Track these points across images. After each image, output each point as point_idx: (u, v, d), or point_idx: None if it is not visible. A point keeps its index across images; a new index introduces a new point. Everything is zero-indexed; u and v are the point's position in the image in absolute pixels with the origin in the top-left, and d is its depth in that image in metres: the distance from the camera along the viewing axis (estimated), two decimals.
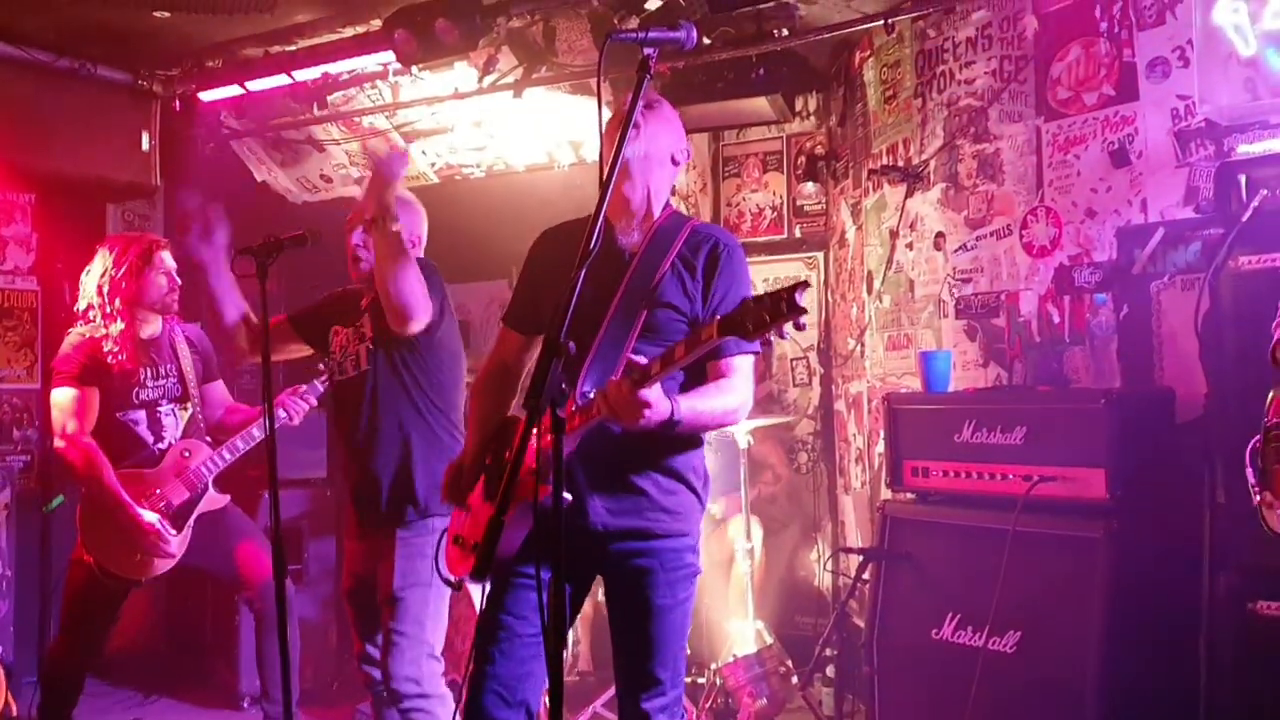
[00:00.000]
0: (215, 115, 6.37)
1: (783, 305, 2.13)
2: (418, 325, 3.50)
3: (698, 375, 2.70)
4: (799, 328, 2.18)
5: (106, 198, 6.35)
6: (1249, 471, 2.34)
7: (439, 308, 3.63)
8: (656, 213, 2.81)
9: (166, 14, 5.26)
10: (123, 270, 4.26)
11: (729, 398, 2.66)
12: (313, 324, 3.95)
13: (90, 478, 4.18)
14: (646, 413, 2.38)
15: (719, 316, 2.26)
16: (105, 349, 4.24)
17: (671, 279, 2.70)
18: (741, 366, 2.71)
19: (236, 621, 5.48)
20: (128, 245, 4.34)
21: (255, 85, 5.94)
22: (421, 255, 3.82)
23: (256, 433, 4.37)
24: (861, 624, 4.48)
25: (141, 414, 4.33)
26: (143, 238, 4.43)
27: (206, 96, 6.14)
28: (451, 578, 2.87)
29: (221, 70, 5.98)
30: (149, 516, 4.20)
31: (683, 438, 2.70)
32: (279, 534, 3.41)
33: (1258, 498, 2.32)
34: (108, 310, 4.26)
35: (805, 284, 2.14)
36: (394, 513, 3.60)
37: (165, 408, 4.38)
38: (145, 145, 6.09)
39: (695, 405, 2.56)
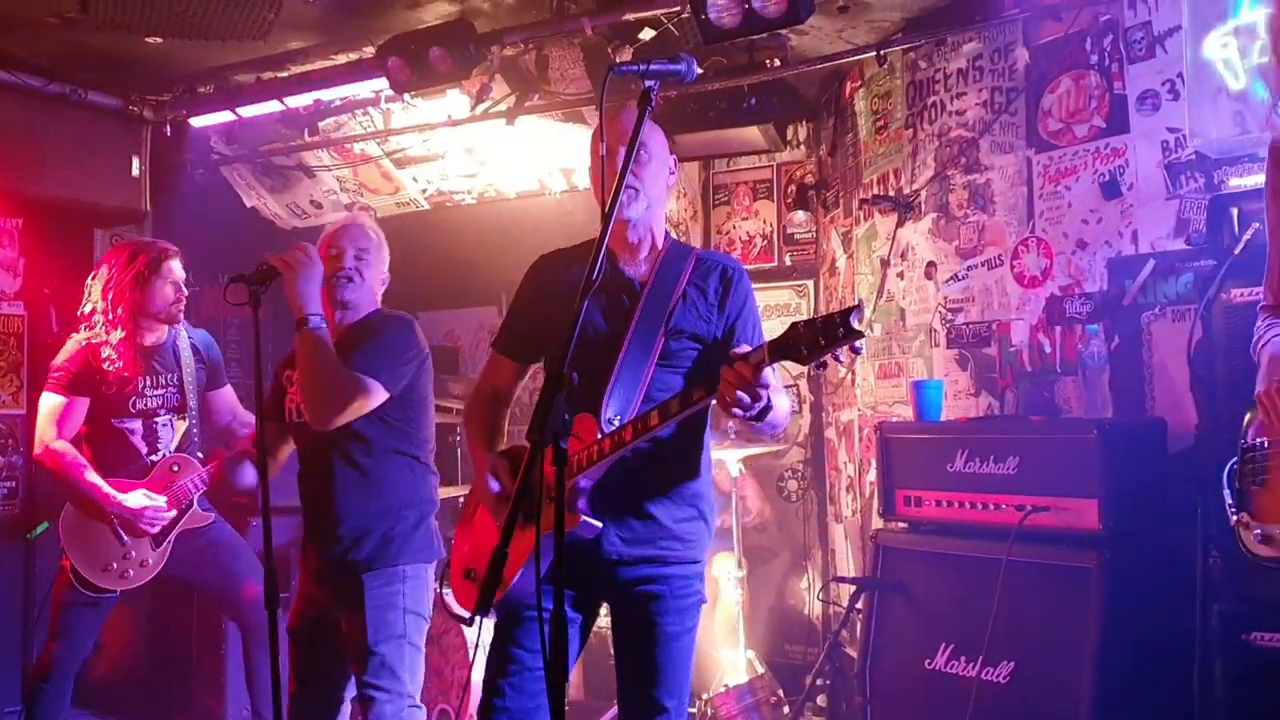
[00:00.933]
0: (206, 141, 6.37)
1: (838, 329, 2.10)
2: (331, 425, 3.29)
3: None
4: (855, 352, 2.15)
5: (95, 223, 6.32)
6: (1226, 492, 2.35)
7: (409, 371, 3.45)
8: (659, 241, 2.82)
9: (158, 40, 5.26)
10: (130, 277, 4.23)
11: (785, 399, 2.64)
12: (273, 396, 3.66)
13: (66, 480, 4.16)
14: (764, 394, 2.34)
15: (767, 341, 2.26)
16: (103, 355, 4.21)
17: (685, 307, 2.72)
18: (774, 378, 2.69)
19: (223, 650, 5.42)
20: (137, 252, 4.30)
21: (247, 111, 5.94)
22: (382, 288, 3.66)
23: None
24: (853, 654, 4.47)
25: (138, 423, 4.30)
26: (153, 245, 4.37)
27: (198, 122, 6.14)
28: (464, 614, 2.83)
29: (213, 96, 5.98)
30: (136, 498, 4.17)
31: (692, 462, 2.72)
32: (271, 562, 3.37)
33: (1234, 518, 2.33)
34: (110, 316, 4.22)
35: (859, 307, 2.12)
36: (359, 560, 3.38)
37: (163, 418, 4.35)
38: (135, 170, 6.08)
39: (777, 401, 2.50)
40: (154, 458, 4.32)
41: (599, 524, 2.54)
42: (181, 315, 4.37)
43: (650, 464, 2.64)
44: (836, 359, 2.16)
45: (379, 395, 3.31)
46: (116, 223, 6.35)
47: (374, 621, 3.33)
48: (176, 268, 4.33)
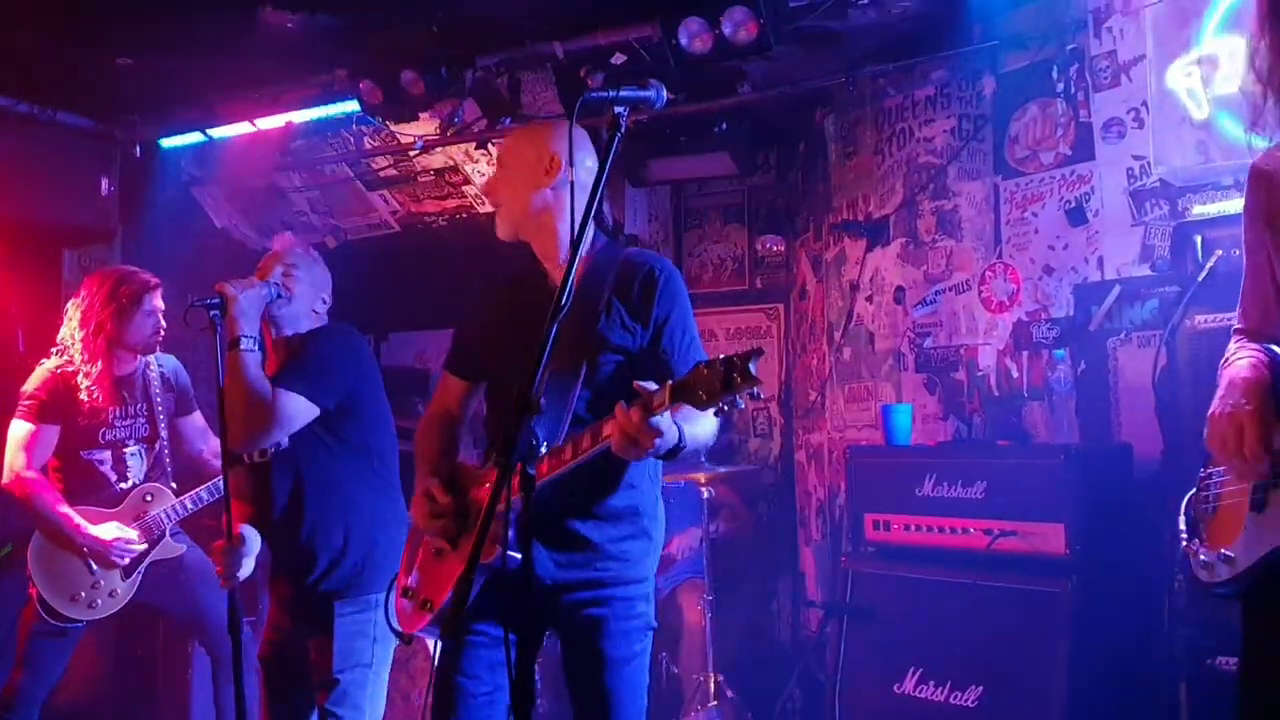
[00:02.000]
0: (176, 161, 6.34)
1: (735, 376, 2.03)
2: (252, 446, 3.28)
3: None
4: (754, 397, 2.10)
5: (64, 243, 6.27)
6: (1181, 519, 2.37)
7: (342, 382, 3.37)
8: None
9: (129, 61, 5.24)
10: (112, 310, 4.16)
11: (708, 423, 2.50)
12: None
13: (37, 509, 4.10)
14: (658, 441, 2.27)
15: (671, 383, 2.18)
16: (80, 385, 4.15)
17: (607, 320, 2.62)
18: None
19: (189, 674, 5.36)
20: (120, 283, 4.21)
21: (218, 132, 5.92)
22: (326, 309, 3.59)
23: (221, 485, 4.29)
24: (823, 678, 4.46)
25: (107, 453, 4.25)
26: (135, 277, 4.28)
27: (168, 143, 6.11)
28: (400, 629, 2.78)
29: (184, 117, 5.96)
30: (108, 530, 4.12)
31: (632, 478, 2.64)
32: (235, 588, 3.35)
33: (1184, 544, 2.35)
34: (89, 347, 4.15)
35: (759, 350, 2.05)
36: (332, 589, 3.34)
37: (132, 448, 4.30)
38: (105, 190, 6.04)
39: (693, 430, 2.43)
40: (124, 485, 4.27)
41: (518, 556, 2.46)
42: (158, 347, 4.33)
43: (579, 483, 2.53)
44: (734, 405, 2.09)
45: (304, 409, 3.26)
46: (85, 243, 6.30)
47: (342, 649, 3.30)
48: (158, 300, 4.28)
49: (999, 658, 3.69)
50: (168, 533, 4.29)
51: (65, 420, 4.18)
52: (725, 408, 2.10)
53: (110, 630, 5.43)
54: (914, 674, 3.92)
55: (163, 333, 4.30)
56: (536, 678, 2.60)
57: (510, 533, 2.46)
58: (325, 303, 3.55)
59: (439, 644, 2.53)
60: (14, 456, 4.12)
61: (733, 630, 5.62)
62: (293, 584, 3.41)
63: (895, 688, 3.96)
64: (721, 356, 2.08)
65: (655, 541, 2.75)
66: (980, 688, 3.73)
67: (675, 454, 2.41)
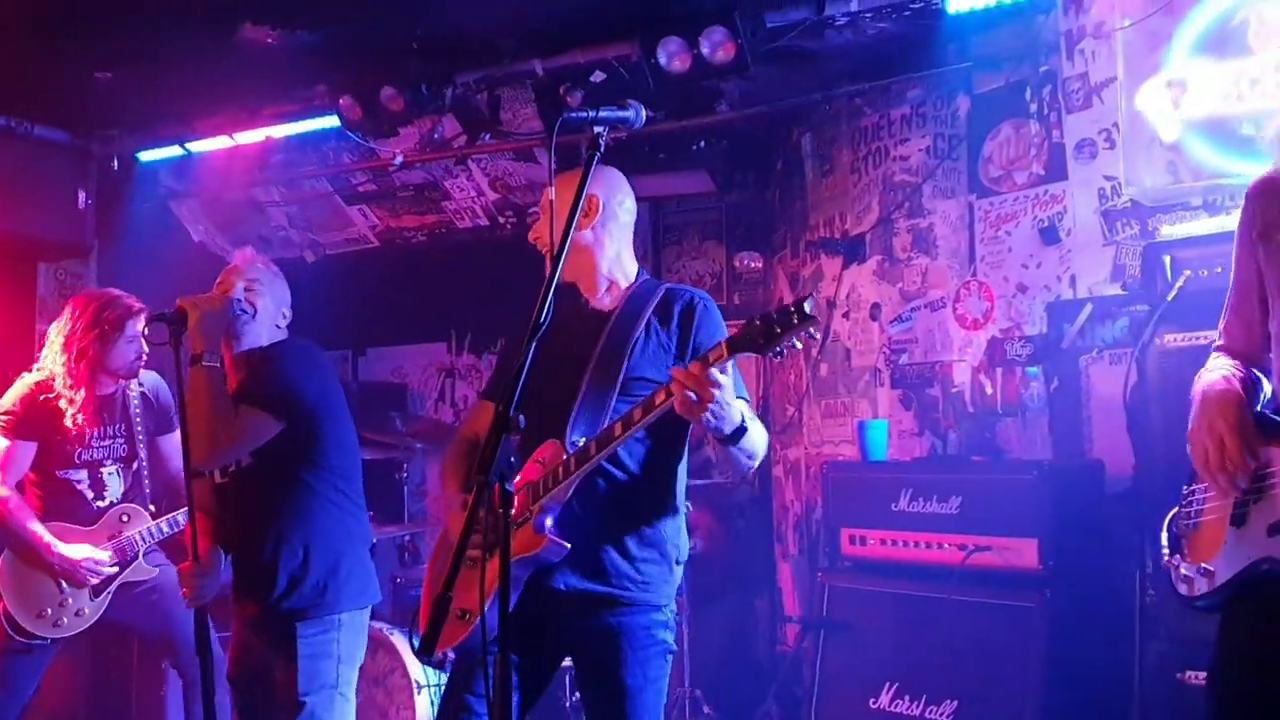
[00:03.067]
0: (154, 175, 6.34)
1: (793, 316, 2.16)
2: (214, 463, 3.28)
3: (662, 441, 2.70)
4: (813, 337, 2.22)
5: (38, 256, 6.25)
6: (1164, 535, 2.41)
7: (303, 397, 3.33)
8: (631, 275, 2.83)
9: (108, 75, 5.24)
10: (95, 335, 4.10)
11: (764, 433, 2.61)
12: None
13: (8, 527, 4.07)
14: (718, 394, 2.31)
15: (724, 338, 2.27)
16: (65, 411, 4.11)
17: (646, 340, 2.70)
18: (748, 408, 2.64)
19: (163, 693, 5.32)
20: (103, 308, 4.15)
21: (196, 146, 5.92)
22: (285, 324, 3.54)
23: None
24: (800, 693, 4.48)
25: (84, 473, 4.21)
26: (119, 301, 4.20)
27: (146, 157, 6.10)
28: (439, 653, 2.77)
29: (162, 131, 5.95)
30: (78, 550, 4.09)
31: (657, 499, 2.69)
32: (204, 608, 3.32)
33: (1166, 559, 2.39)
34: (71, 371, 4.10)
35: (812, 295, 2.20)
36: (294, 609, 3.28)
37: (109, 467, 4.26)
38: (81, 204, 6.02)
39: (754, 429, 2.50)
40: (100, 504, 4.24)
41: (567, 545, 2.51)
42: (139, 372, 4.29)
43: (615, 501, 2.61)
44: (793, 346, 2.22)
45: (266, 426, 3.24)
46: (61, 256, 6.29)
47: (306, 671, 3.25)
48: (140, 326, 4.18)
49: (974, 671, 3.72)
50: (141, 554, 4.26)
51: (43, 438, 4.15)
52: (783, 350, 2.21)
53: (85, 651, 5.39)
54: (890, 688, 3.95)
55: (145, 358, 4.24)
56: (516, 700, 2.58)
57: (551, 519, 2.51)
58: (286, 317, 3.53)
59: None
60: None
61: (710, 645, 5.63)
62: (257, 603, 3.36)
63: (871, 702, 3.98)
64: (776, 307, 2.20)
65: (675, 572, 2.76)
66: (955, 701, 3.75)
67: (737, 438, 2.44)
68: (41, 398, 4.13)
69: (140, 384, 4.36)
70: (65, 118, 5.85)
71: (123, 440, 4.28)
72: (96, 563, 4.13)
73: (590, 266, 2.80)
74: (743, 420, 2.43)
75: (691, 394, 2.30)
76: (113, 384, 4.25)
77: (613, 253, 2.82)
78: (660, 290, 2.81)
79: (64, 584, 4.14)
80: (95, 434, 4.22)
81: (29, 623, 4.10)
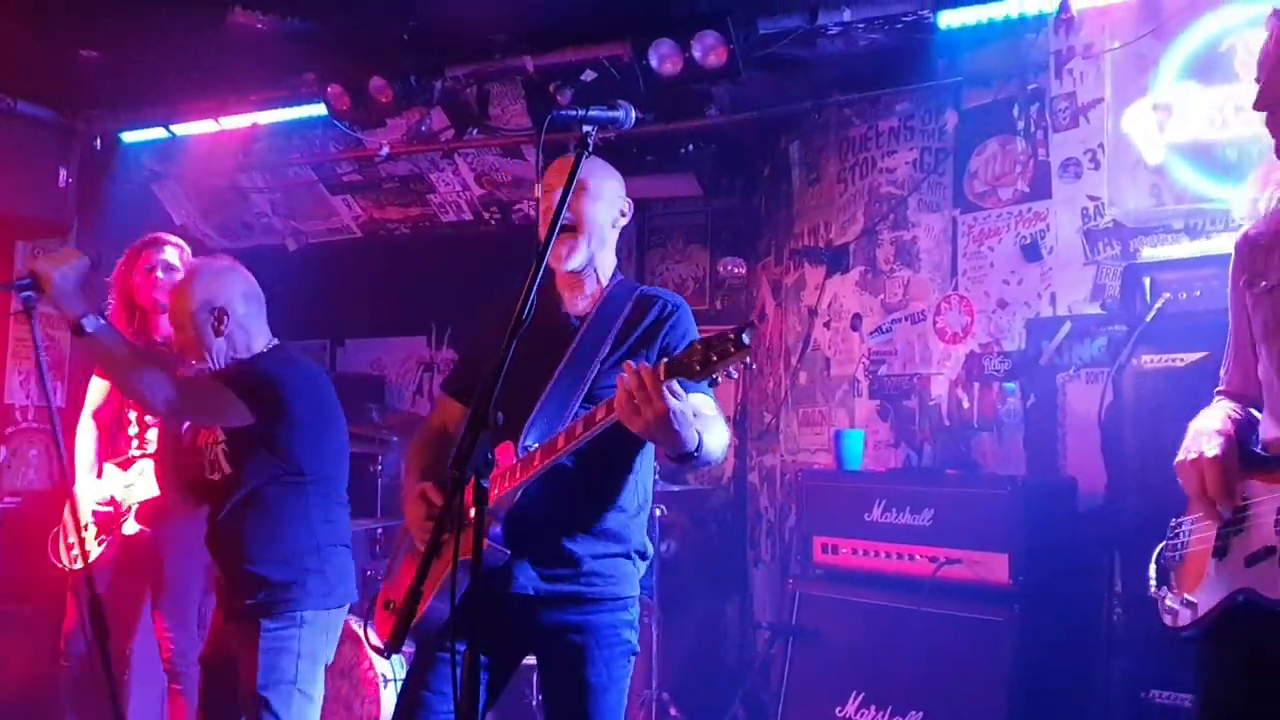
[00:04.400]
0: (137, 156, 6.29)
1: (729, 345, 2.13)
2: (159, 415, 3.29)
3: (624, 435, 2.68)
4: (747, 367, 2.18)
5: (17, 234, 6.19)
6: (1152, 567, 2.43)
7: (282, 395, 3.27)
8: (605, 280, 2.79)
9: (94, 53, 5.20)
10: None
11: (723, 432, 2.54)
12: None
13: None
14: (673, 404, 2.21)
15: (665, 360, 2.21)
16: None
17: (615, 350, 2.68)
18: (708, 403, 2.59)
19: (126, 676, 5.28)
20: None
21: (181, 129, 5.88)
22: (235, 320, 3.37)
23: None
24: (768, 698, 4.49)
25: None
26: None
27: (129, 137, 6.06)
28: (380, 645, 2.77)
29: (147, 112, 5.91)
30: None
31: (621, 497, 2.66)
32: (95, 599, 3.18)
33: (1152, 590, 2.41)
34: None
35: (752, 323, 2.16)
36: (260, 604, 3.27)
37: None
38: (62, 182, 5.97)
39: (708, 436, 2.41)
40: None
41: (507, 551, 2.48)
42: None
43: (570, 498, 2.59)
44: (728, 375, 2.18)
45: (232, 406, 3.18)
46: (40, 234, 6.23)
47: (265, 665, 3.23)
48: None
49: (940, 683, 3.73)
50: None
51: None
52: (718, 378, 2.17)
53: (47, 626, 5.36)
54: (856, 697, 3.96)
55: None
56: (481, 698, 2.56)
57: (497, 529, 2.48)
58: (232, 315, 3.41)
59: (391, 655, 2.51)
60: None
61: (679, 648, 5.64)
62: (230, 595, 3.38)
63: (838, 710, 3.99)
64: (718, 332, 2.16)
65: (639, 566, 2.75)
66: (921, 713, 3.77)
67: (686, 461, 2.38)
68: None
69: None
70: (49, 95, 5.79)
71: None
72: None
73: (598, 264, 2.77)
74: (699, 445, 2.34)
75: (642, 400, 2.21)
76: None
77: (600, 247, 2.77)
78: (635, 294, 2.77)
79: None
80: None
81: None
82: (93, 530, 4.34)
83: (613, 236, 2.82)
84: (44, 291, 2.99)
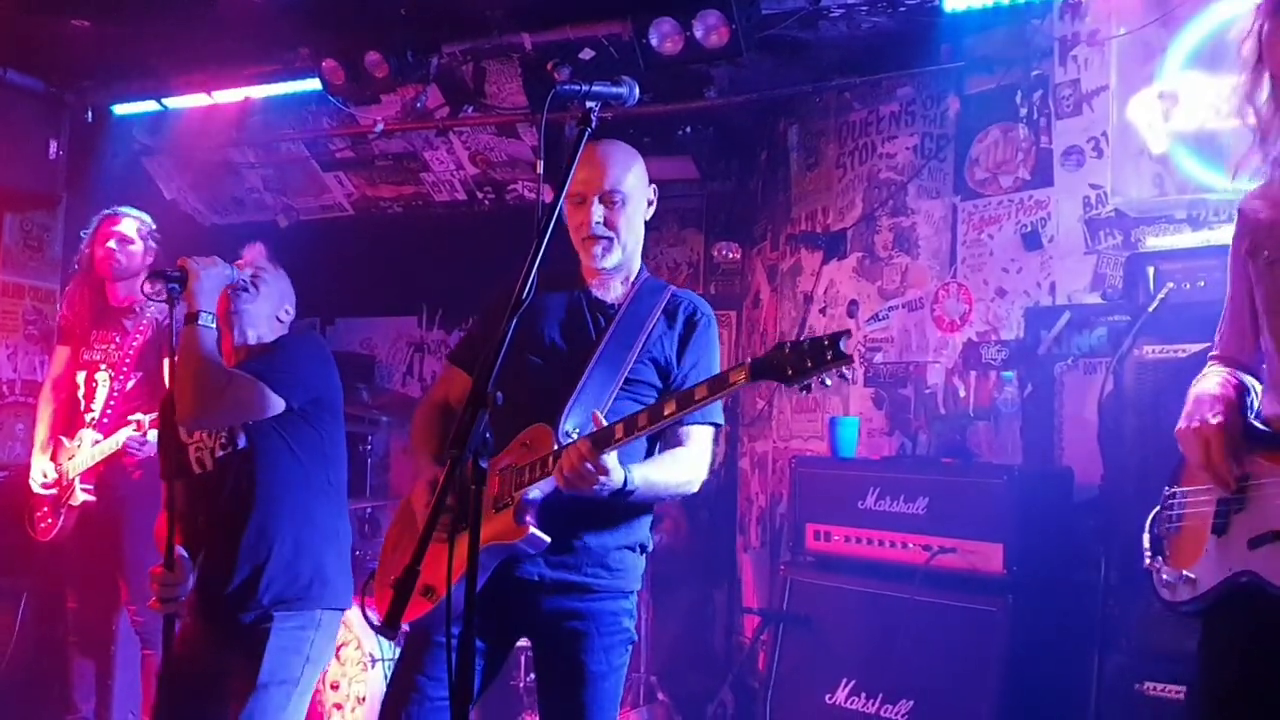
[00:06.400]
0: (128, 129, 6.22)
1: (826, 352, 2.09)
2: (207, 422, 3.19)
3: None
4: (844, 378, 2.17)
5: (6, 206, 6.12)
6: (1146, 537, 2.41)
7: (312, 383, 3.27)
8: (636, 268, 2.80)
9: (86, 23, 5.12)
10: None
11: (684, 468, 2.63)
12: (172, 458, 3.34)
13: None
14: (602, 479, 2.34)
15: (750, 360, 2.21)
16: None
17: (655, 336, 2.68)
18: (699, 437, 2.67)
19: (113, 649, 5.23)
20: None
21: (173, 102, 5.82)
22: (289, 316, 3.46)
23: None
24: (756, 685, 4.47)
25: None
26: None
27: (121, 110, 5.99)
28: (377, 621, 2.70)
29: (139, 84, 5.84)
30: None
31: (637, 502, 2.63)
32: None
33: (1148, 561, 2.39)
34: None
35: (847, 332, 2.12)
36: (276, 597, 3.14)
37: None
38: (53, 154, 5.91)
39: (649, 475, 2.51)
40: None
41: (547, 539, 2.45)
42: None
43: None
44: (822, 384, 2.16)
45: (264, 399, 3.13)
46: (29, 207, 6.17)
47: (272, 661, 3.09)
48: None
49: (931, 672, 3.71)
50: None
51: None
52: (810, 385, 2.16)
53: (28, 609, 5.33)
54: (846, 684, 3.94)
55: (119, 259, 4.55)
56: (476, 682, 2.53)
57: (532, 517, 2.46)
58: (289, 314, 3.44)
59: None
60: None
61: (668, 633, 5.62)
62: (229, 590, 3.17)
63: (827, 697, 3.97)
64: (809, 337, 2.16)
65: (642, 560, 2.74)
66: (911, 701, 3.75)
67: (624, 498, 2.45)
68: None
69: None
70: (40, 65, 5.73)
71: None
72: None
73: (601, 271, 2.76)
74: (626, 484, 2.42)
75: (573, 477, 2.33)
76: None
77: (634, 245, 2.79)
78: (667, 291, 2.79)
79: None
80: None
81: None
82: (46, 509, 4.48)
83: (643, 230, 2.83)
84: (186, 285, 3.15)
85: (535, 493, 2.48)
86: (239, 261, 3.40)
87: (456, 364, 2.90)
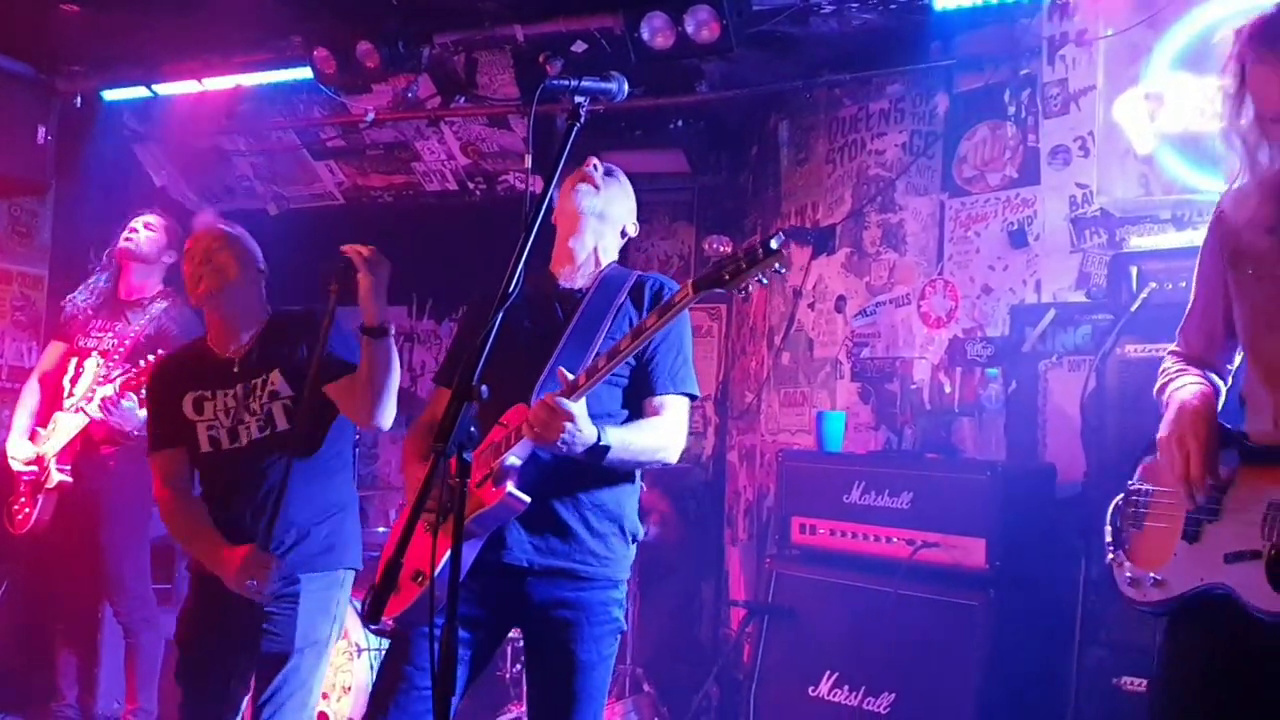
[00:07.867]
0: (118, 115, 6.20)
1: (758, 250, 2.17)
2: (372, 432, 3.29)
3: (624, 416, 2.70)
4: (779, 272, 2.24)
5: None
6: (1107, 529, 2.43)
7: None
8: (603, 261, 2.84)
9: (75, 8, 5.11)
10: None
11: (660, 434, 2.66)
12: (170, 426, 3.32)
13: None
14: (569, 427, 2.36)
15: (690, 280, 2.30)
16: None
17: (620, 319, 2.71)
18: (674, 405, 2.70)
19: (99, 638, 5.23)
20: None
21: (164, 89, 5.80)
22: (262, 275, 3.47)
23: None
24: (741, 676, 4.50)
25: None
26: None
27: (111, 96, 5.97)
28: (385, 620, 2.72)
29: (129, 70, 5.83)
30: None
31: (618, 475, 2.67)
32: None
33: (1110, 556, 2.40)
34: None
35: (779, 232, 2.22)
36: (301, 559, 3.15)
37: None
38: (41, 140, 5.88)
39: (625, 436, 2.54)
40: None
41: (526, 499, 2.47)
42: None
43: (573, 474, 2.59)
44: (759, 283, 2.25)
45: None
46: (17, 193, 6.13)
47: (305, 623, 3.11)
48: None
49: (914, 666, 3.74)
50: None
51: None
52: (748, 286, 2.27)
53: (15, 594, 5.33)
54: (830, 677, 3.97)
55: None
56: (462, 672, 2.54)
57: (513, 482, 2.48)
58: (264, 270, 3.50)
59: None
60: None
61: (654, 624, 5.64)
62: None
63: (810, 690, 4.00)
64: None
65: (631, 549, 2.76)
66: (893, 694, 3.78)
67: (598, 456, 2.47)
68: None
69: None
70: (28, 50, 5.69)
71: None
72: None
73: (574, 245, 2.81)
74: (599, 439, 2.46)
75: (542, 424, 2.37)
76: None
77: (604, 245, 2.85)
78: (632, 276, 2.83)
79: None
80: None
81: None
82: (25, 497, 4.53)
83: (616, 241, 2.90)
84: (351, 278, 3.09)
85: (513, 459, 2.51)
86: (193, 241, 3.39)
87: (442, 384, 2.91)
